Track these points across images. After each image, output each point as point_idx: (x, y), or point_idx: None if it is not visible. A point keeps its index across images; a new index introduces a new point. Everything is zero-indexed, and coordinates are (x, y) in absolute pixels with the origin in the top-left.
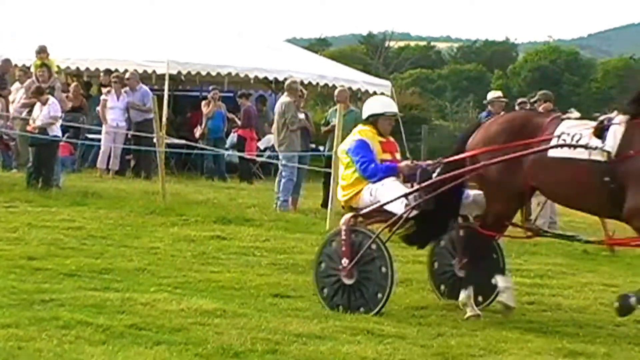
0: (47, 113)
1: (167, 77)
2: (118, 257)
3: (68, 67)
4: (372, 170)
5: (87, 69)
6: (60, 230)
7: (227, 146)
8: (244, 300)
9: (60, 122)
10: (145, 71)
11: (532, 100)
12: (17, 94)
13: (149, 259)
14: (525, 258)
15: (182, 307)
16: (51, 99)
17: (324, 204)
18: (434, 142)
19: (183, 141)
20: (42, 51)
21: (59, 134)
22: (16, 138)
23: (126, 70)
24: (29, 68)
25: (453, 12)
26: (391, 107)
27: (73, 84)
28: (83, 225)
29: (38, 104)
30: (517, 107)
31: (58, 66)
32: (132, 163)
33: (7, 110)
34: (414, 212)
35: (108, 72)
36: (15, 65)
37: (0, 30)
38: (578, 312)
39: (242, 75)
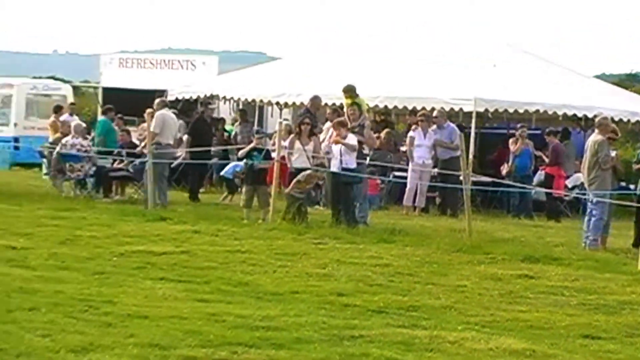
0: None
1: (474, 115)
2: (425, 294)
3: (376, 106)
4: None
5: (395, 107)
6: (368, 267)
7: (534, 184)
8: (553, 341)
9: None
10: (452, 109)
11: None
12: (327, 133)
13: (456, 297)
14: None
15: (490, 346)
16: (350, 136)
17: (636, 244)
18: None
19: (489, 178)
20: (350, 90)
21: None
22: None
23: (433, 109)
24: (340, 107)
25: None
26: None
27: (384, 132)
28: (390, 262)
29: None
30: None
31: (367, 105)
32: (438, 200)
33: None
34: None
35: (415, 110)
36: (326, 104)
37: (311, 69)
38: None
39: (550, 112)
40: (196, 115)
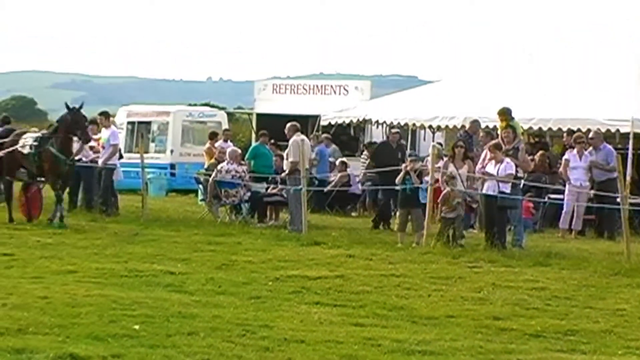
0: (503, 171)
1: (631, 136)
2: (583, 318)
3: (530, 128)
4: None
5: (550, 129)
6: (524, 290)
7: None
8: None
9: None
10: (608, 130)
11: None
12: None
13: (615, 321)
14: None
15: None
16: (505, 160)
17: None
18: None
19: None
20: (505, 113)
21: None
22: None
23: (589, 130)
24: (494, 130)
25: None
26: None
27: (539, 154)
28: (546, 286)
29: (491, 162)
30: None
31: (522, 127)
32: (595, 223)
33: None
34: None
35: (571, 132)
36: (481, 128)
37: (465, 92)
38: None
39: None
40: (381, 141)
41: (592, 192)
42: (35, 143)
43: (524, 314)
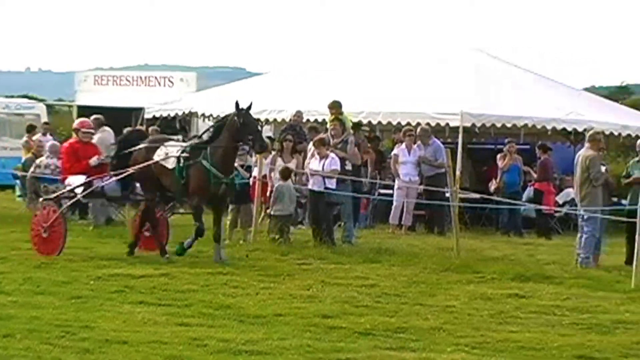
0: (328, 166)
1: (460, 130)
2: (413, 315)
3: (360, 121)
4: None
5: (379, 122)
6: (354, 287)
7: (523, 200)
8: None
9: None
10: (438, 124)
11: None
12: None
13: (445, 318)
14: None
15: None
16: (330, 155)
17: (628, 261)
18: None
19: (477, 195)
20: (334, 106)
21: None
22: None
23: (418, 124)
24: (321, 123)
25: None
26: None
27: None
28: (377, 283)
29: (316, 158)
30: None
31: (351, 121)
32: (425, 218)
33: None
34: None
35: (400, 127)
36: (307, 121)
37: (293, 85)
38: None
39: (539, 126)
40: None
41: (422, 187)
42: (185, 154)
43: (353, 312)
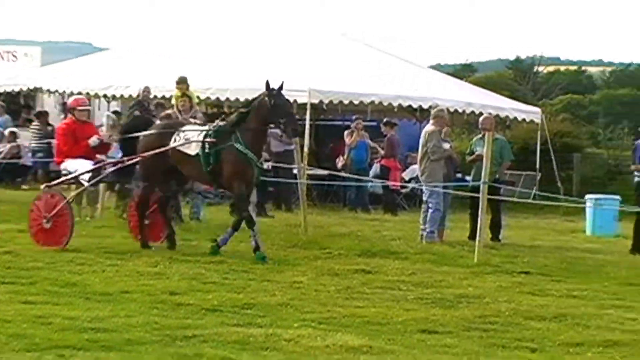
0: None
1: (308, 107)
2: (260, 291)
3: (208, 98)
4: None
5: (227, 99)
6: (202, 264)
7: (370, 176)
8: (390, 336)
9: None
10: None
11: None
12: None
13: (292, 294)
14: None
15: (327, 343)
16: None
17: (472, 236)
18: (587, 170)
19: (325, 172)
20: (182, 82)
21: None
22: None
23: None
24: (168, 99)
25: (605, 34)
26: None
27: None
28: (224, 260)
29: None
30: None
31: (198, 97)
32: (274, 195)
33: None
34: None
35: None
36: (155, 97)
37: (140, 60)
38: None
39: (385, 103)
40: None
41: (270, 164)
42: (212, 139)
43: (201, 289)
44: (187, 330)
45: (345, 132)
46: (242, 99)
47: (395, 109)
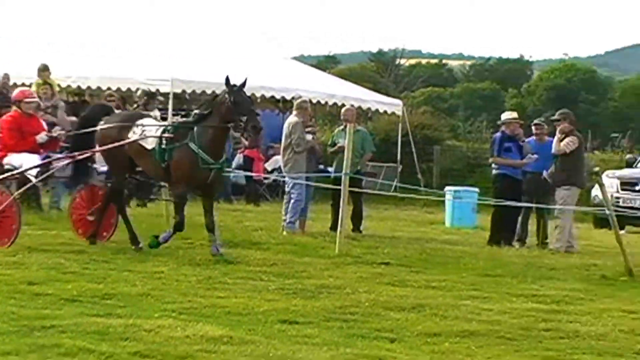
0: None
1: (171, 96)
2: (121, 282)
3: (69, 86)
4: None
5: (89, 87)
6: (62, 254)
7: (233, 167)
8: (251, 327)
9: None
10: (149, 90)
11: (551, 119)
12: None
13: (152, 284)
14: (542, 283)
15: (187, 333)
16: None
17: (333, 227)
18: (447, 163)
19: None
20: (44, 69)
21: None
22: None
23: (129, 89)
24: (28, 86)
25: (465, 29)
26: None
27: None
28: (84, 249)
29: None
30: (533, 129)
31: (59, 85)
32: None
33: None
34: None
35: (110, 91)
36: (15, 84)
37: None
38: (597, 339)
39: (248, 93)
40: None
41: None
42: (169, 135)
43: (60, 278)
44: (45, 320)
45: None
46: (104, 88)
47: (259, 100)
